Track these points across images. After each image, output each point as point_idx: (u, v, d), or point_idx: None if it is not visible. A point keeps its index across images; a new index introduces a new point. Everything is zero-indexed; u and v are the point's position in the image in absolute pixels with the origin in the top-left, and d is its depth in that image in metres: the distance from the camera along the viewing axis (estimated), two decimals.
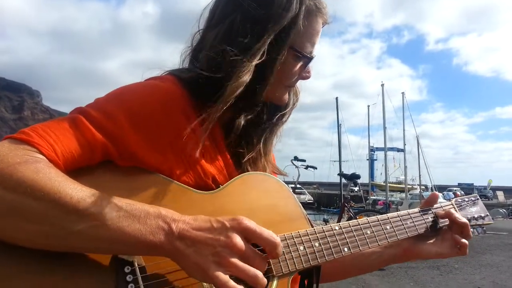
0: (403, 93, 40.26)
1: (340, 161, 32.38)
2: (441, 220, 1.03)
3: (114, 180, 0.76)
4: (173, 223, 0.66)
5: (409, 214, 1.01)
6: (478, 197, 1.14)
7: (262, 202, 0.87)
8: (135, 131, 0.77)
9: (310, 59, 0.93)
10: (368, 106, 45.68)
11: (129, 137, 0.76)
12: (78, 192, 0.63)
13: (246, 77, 0.83)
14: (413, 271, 5.17)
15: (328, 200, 41.41)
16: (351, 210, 6.76)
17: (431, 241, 1.01)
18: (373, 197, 37.62)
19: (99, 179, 0.74)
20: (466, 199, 1.12)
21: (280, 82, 0.91)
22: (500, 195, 45.72)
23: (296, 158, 7.28)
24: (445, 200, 1.09)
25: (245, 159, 0.93)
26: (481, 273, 5.15)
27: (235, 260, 0.66)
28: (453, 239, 0.99)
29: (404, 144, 40.72)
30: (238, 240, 0.67)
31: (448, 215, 1.01)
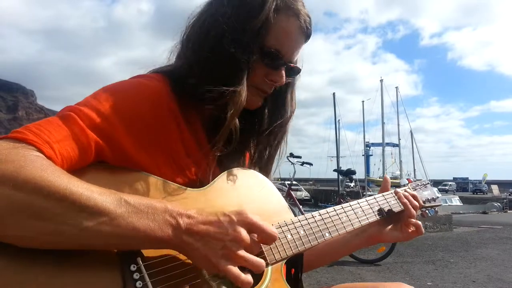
0: (396, 87, 40.17)
1: (338, 157, 32.39)
2: (392, 207, 1.11)
3: (107, 179, 0.75)
4: (179, 218, 0.68)
5: (375, 199, 1.11)
6: (429, 181, 1.31)
7: (250, 196, 0.91)
8: (127, 131, 0.77)
9: (275, 55, 0.89)
10: (363, 101, 45.78)
11: (122, 136, 0.76)
12: (86, 190, 0.63)
13: (243, 97, 0.86)
14: (409, 265, 5.20)
15: (325, 196, 41.57)
16: None
17: (391, 226, 1.12)
18: (370, 193, 37.69)
19: (91, 180, 0.72)
20: (419, 184, 1.26)
21: (249, 84, 0.90)
22: (495, 189, 46.10)
23: (291, 155, 7.28)
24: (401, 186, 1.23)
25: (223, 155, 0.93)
26: (476, 267, 5.19)
27: (243, 253, 0.69)
28: (408, 222, 1.10)
29: (399, 139, 40.80)
30: (245, 234, 0.70)
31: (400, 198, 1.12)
